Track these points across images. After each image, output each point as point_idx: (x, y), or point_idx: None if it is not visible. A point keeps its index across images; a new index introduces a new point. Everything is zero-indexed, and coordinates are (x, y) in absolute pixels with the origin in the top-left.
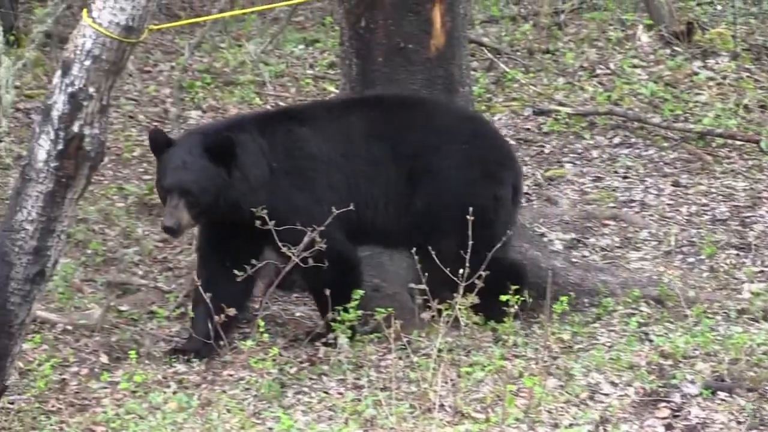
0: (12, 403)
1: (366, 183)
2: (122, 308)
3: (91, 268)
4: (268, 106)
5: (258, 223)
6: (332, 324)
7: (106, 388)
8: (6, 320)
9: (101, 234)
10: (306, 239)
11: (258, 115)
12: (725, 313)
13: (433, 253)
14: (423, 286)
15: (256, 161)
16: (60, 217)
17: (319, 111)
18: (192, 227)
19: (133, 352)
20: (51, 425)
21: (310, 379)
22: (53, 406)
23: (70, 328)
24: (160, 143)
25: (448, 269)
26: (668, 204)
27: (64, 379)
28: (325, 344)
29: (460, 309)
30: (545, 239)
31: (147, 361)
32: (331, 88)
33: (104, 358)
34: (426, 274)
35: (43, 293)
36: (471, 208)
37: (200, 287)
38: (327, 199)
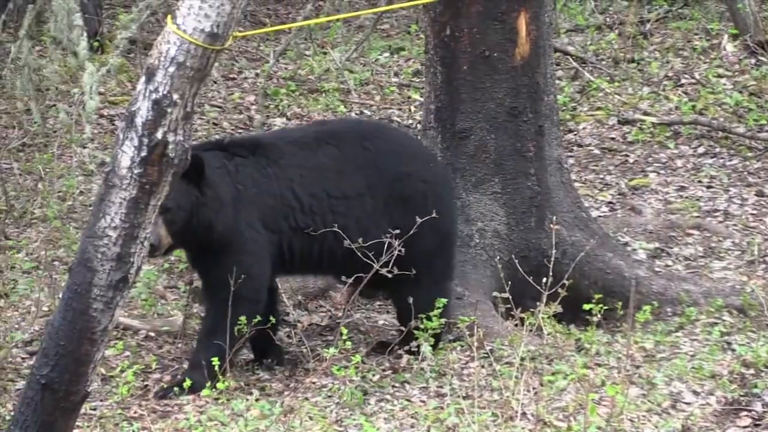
0: (94, 410)
1: (336, 217)
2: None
3: (173, 275)
4: (353, 114)
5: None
6: (415, 332)
7: (188, 394)
8: (88, 326)
9: None
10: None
11: (225, 141)
12: None
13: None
14: (506, 295)
15: (224, 180)
16: (143, 223)
17: (288, 148)
18: (170, 249)
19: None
20: (133, 431)
21: (393, 386)
22: (135, 413)
23: (152, 334)
24: None
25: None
26: (752, 214)
27: (146, 385)
28: (408, 352)
29: (542, 318)
30: (629, 248)
31: (229, 368)
32: (416, 96)
33: (187, 365)
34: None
35: (125, 300)
36: (445, 232)
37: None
38: (276, 242)
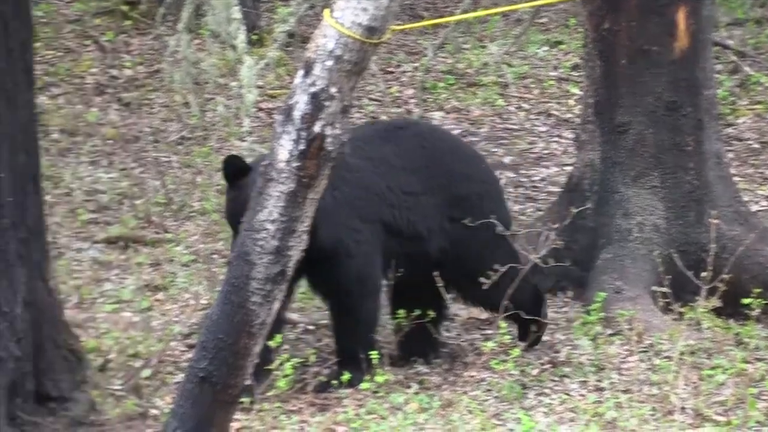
0: (253, 402)
1: (408, 213)
2: None
3: None
4: (511, 108)
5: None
6: (575, 327)
7: (347, 388)
8: (247, 320)
9: None
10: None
11: None
12: None
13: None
14: (665, 289)
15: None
16: (301, 217)
17: (354, 143)
18: None
19: (374, 352)
20: (292, 425)
21: (552, 380)
22: (294, 406)
23: (311, 327)
24: (237, 170)
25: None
26: None
27: (305, 378)
28: (569, 346)
29: (702, 312)
30: None
31: (389, 362)
32: (575, 90)
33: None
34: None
35: (283, 293)
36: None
37: None
38: (377, 230)
